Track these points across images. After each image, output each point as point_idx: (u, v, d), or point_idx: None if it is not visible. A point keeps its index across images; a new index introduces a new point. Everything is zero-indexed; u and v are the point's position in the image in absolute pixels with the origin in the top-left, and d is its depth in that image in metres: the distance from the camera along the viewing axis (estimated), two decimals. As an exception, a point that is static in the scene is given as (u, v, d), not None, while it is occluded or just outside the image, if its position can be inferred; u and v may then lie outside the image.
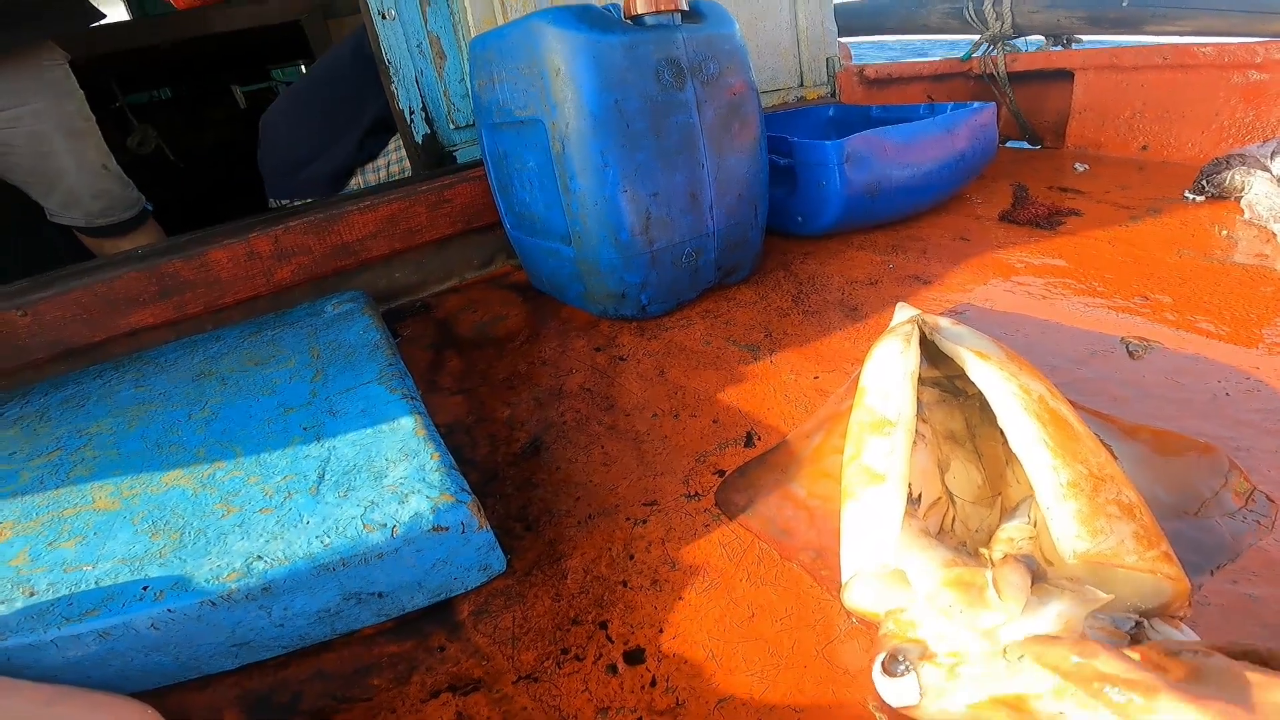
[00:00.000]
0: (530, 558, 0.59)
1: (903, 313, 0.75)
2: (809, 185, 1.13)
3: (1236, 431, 0.60)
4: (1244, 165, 1.20)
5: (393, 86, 1.24)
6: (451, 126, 1.33)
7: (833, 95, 1.88)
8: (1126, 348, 0.75)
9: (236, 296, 1.07)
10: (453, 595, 0.55)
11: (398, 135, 1.42)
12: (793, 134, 1.37)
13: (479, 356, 0.96)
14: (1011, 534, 0.39)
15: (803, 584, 0.52)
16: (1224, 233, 1.06)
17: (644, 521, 0.61)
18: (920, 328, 0.65)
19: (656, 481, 0.65)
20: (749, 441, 0.69)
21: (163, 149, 2.41)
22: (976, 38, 1.89)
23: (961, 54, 1.94)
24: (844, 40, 2.20)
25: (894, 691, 0.36)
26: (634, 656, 0.49)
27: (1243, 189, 1.16)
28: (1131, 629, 0.33)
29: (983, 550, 0.40)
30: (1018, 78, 1.84)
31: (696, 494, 0.63)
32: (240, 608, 0.47)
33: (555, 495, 0.66)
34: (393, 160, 1.54)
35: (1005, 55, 1.84)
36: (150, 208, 1.45)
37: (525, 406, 0.81)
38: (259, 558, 0.49)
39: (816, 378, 0.78)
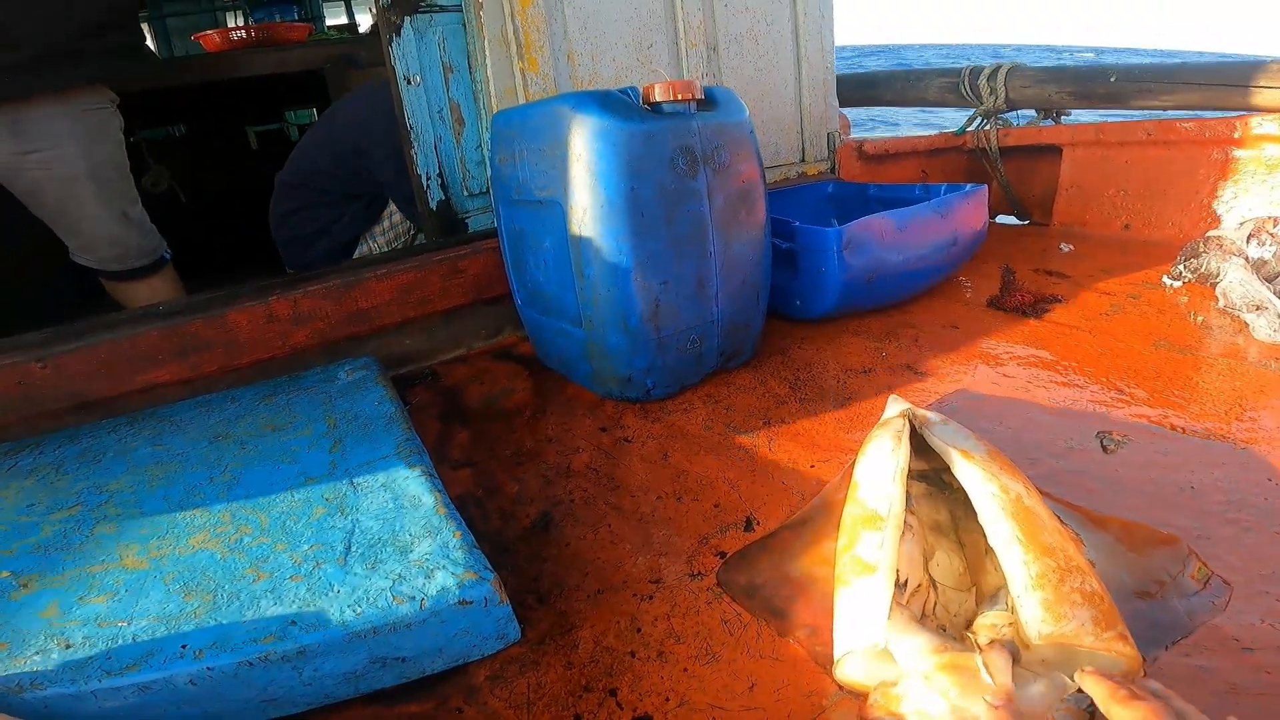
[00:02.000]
0: (543, 628, 0.62)
1: (894, 406, 0.81)
2: (809, 270, 1.20)
3: (1200, 521, 0.65)
4: (1220, 249, 1.28)
5: (412, 151, 1.30)
6: (465, 194, 1.39)
7: (832, 170, 1.95)
8: (1101, 442, 0.81)
9: (253, 358, 1.11)
10: (470, 661, 0.57)
11: None
12: (794, 212, 1.45)
13: (487, 429, 1.00)
14: (994, 620, 0.44)
15: (798, 659, 0.55)
16: (1199, 319, 1.14)
17: (650, 598, 0.64)
18: (911, 422, 0.71)
19: (661, 561, 0.69)
20: (748, 526, 0.73)
21: (175, 190, 2.47)
22: (971, 111, 2.01)
23: (956, 128, 2.06)
24: (844, 110, 2.32)
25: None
26: (642, 723, 0.52)
27: (1218, 275, 1.24)
28: (1088, 706, 0.38)
29: (969, 634, 0.44)
30: (1009, 152, 1.96)
31: (699, 573, 0.66)
32: (275, 668, 0.50)
33: (565, 570, 0.69)
34: (396, 221, 1.61)
35: (998, 130, 1.96)
36: (168, 255, 1.48)
37: (533, 483, 0.85)
38: (294, 623, 0.52)
39: (812, 466, 0.83)
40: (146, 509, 0.73)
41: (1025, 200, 1.98)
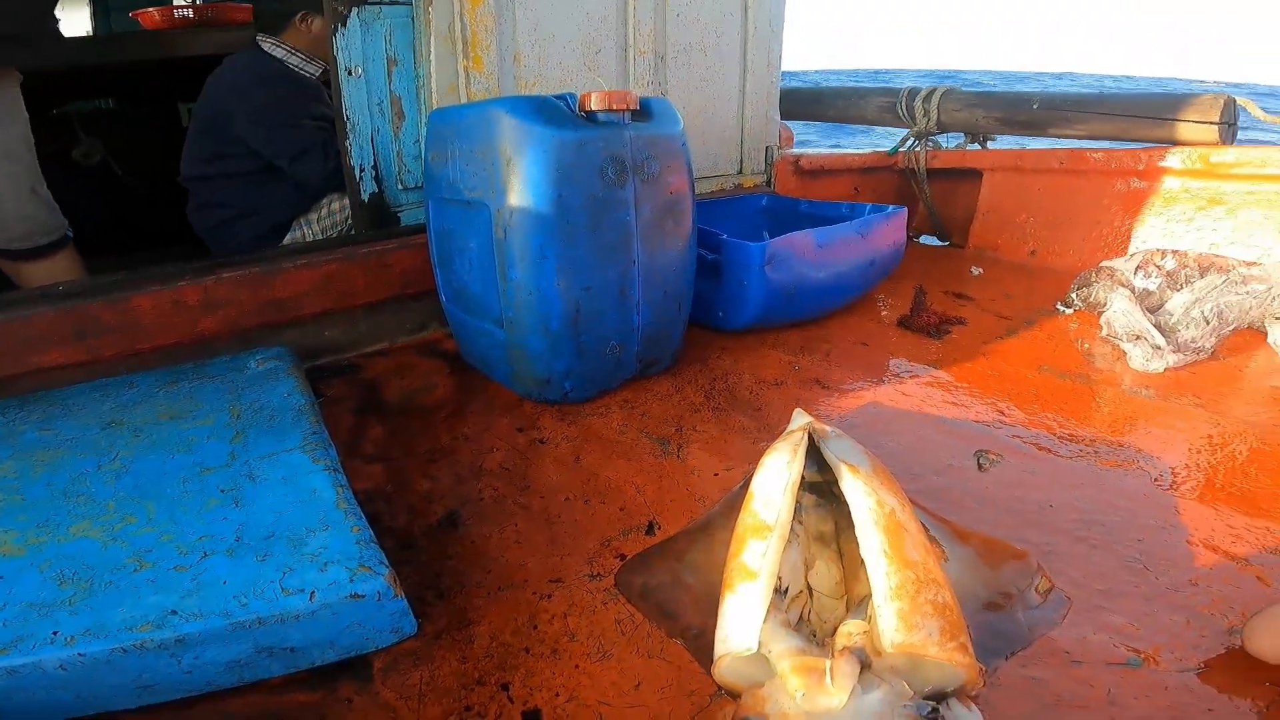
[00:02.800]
0: (441, 623, 0.63)
1: (798, 419, 0.84)
2: (732, 283, 1.24)
3: (1053, 538, 0.72)
4: (1111, 279, 1.38)
5: (347, 142, 1.28)
6: (400, 187, 1.37)
7: (768, 184, 1.99)
8: (978, 461, 0.87)
9: (155, 343, 1.07)
10: (364, 653, 0.58)
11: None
12: (728, 223, 1.48)
13: (403, 425, 1.00)
14: (850, 628, 0.47)
15: (683, 659, 0.58)
16: (1085, 346, 1.24)
17: (549, 596, 0.66)
18: (811, 435, 0.75)
19: (563, 561, 0.71)
20: (650, 530, 0.75)
21: (109, 162, 2.35)
22: (905, 131, 2.09)
23: (889, 148, 2.14)
24: (789, 123, 2.38)
25: (740, 758, 0.43)
26: (531, 716, 0.54)
27: (1105, 304, 1.33)
28: (928, 714, 0.42)
29: (829, 639, 0.47)
30: (936, 174, 2.05)
31: (599, 574, 0.69)
32: (152, 656, 0.49)
33: (468, 567, 0.70)
34: (334, 209, 1.57)
35: (927, 151, 2.05)
36: (70, 235, 1.42)
37: (445, 480, 0.86)
38: (174, 612, 0.51)
39: (717, 474, 0.86)
40: (28, 495, 0.70)
41: (948, 222, 2.08)
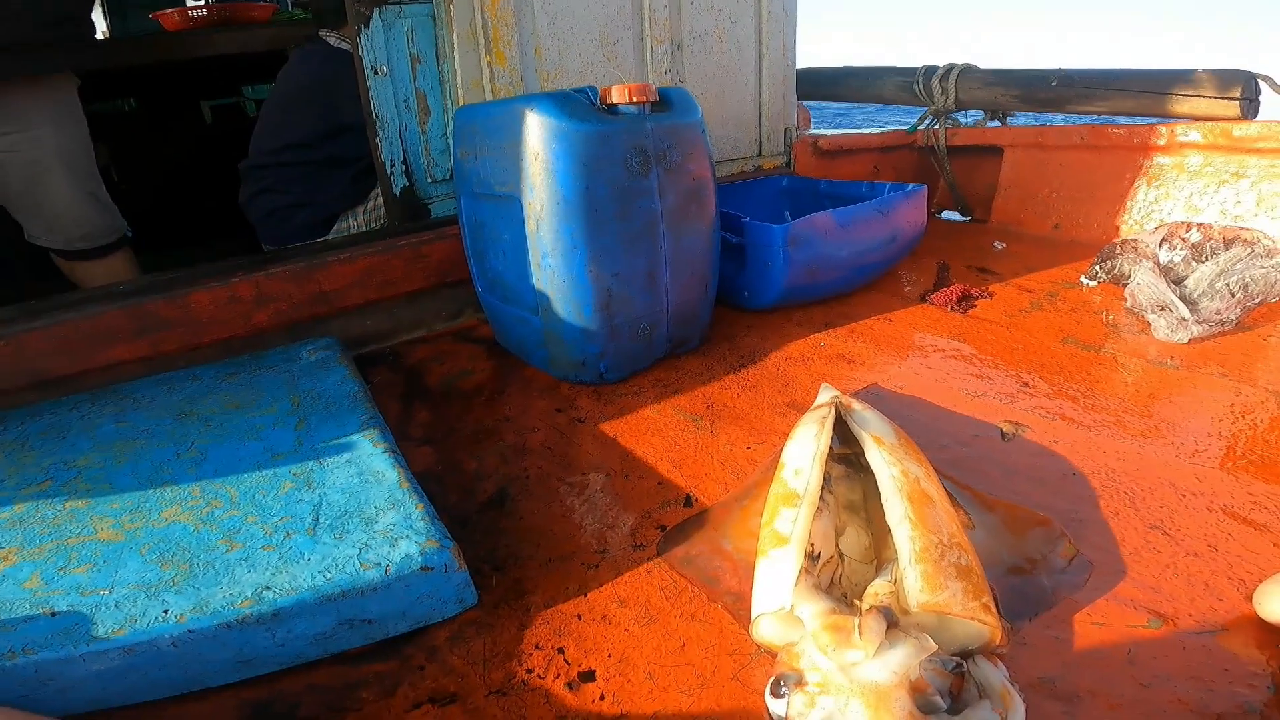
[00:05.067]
0: (498, 594, 0.68)
1: (825, 394, 0.89)
2: (756, 263, 1.27)
3: (1076, 505, 0.75)
4: (1135, 252, 1.39)
5: (377, 140, 1.34)
6: (429, 180, 1.42)
7: (788, 165, 2.01)
8: (1001, 432, 0.90)
9: (213, 336, 1.13)
10: (431, 623, 0.63)
11: None
12: (748, 205, 1.51)
13: (447, 409, 1.05)
14: (877, 589, 0.52)
15: (724, 621, 0.63)
16: (1109, 318, 1.25)
17: (596, 566, 0.71)
18: (838, 409, 0.78)
19: (607, 533, 0.76)
20: (688, 502, 0.80)
21: (109, 170, 2.41)
22: (923, 110, 2.09)
23: (908, 127, 2.14)
24: (805, 104, 2.37)
25: (776, 710, 0.47)
26: (587, 676, 0.59)
27: (1129, 276, 1.34)
28: (954, 668, 0.46)
29: (857, 601, 0.52)
30: (956, 151, 2.05)
31: (641, 544, 0.73)
32: (250, 630, 0.55)
33: (519, 541, 0.75)
34: (380, 204, 1.62)
35: (946, 129, 2.05)
36: (130, 234, 1.49)
37: (491, 460, 0.91)
38: (268, 588, 0.57)
39: (749, 448, 0.90)
40: (116, 484, 0.77)
41: (970, 198, 2.08)
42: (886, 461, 0.63)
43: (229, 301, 1.13)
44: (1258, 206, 1.51)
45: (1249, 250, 1.27)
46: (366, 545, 0.61)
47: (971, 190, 2.07)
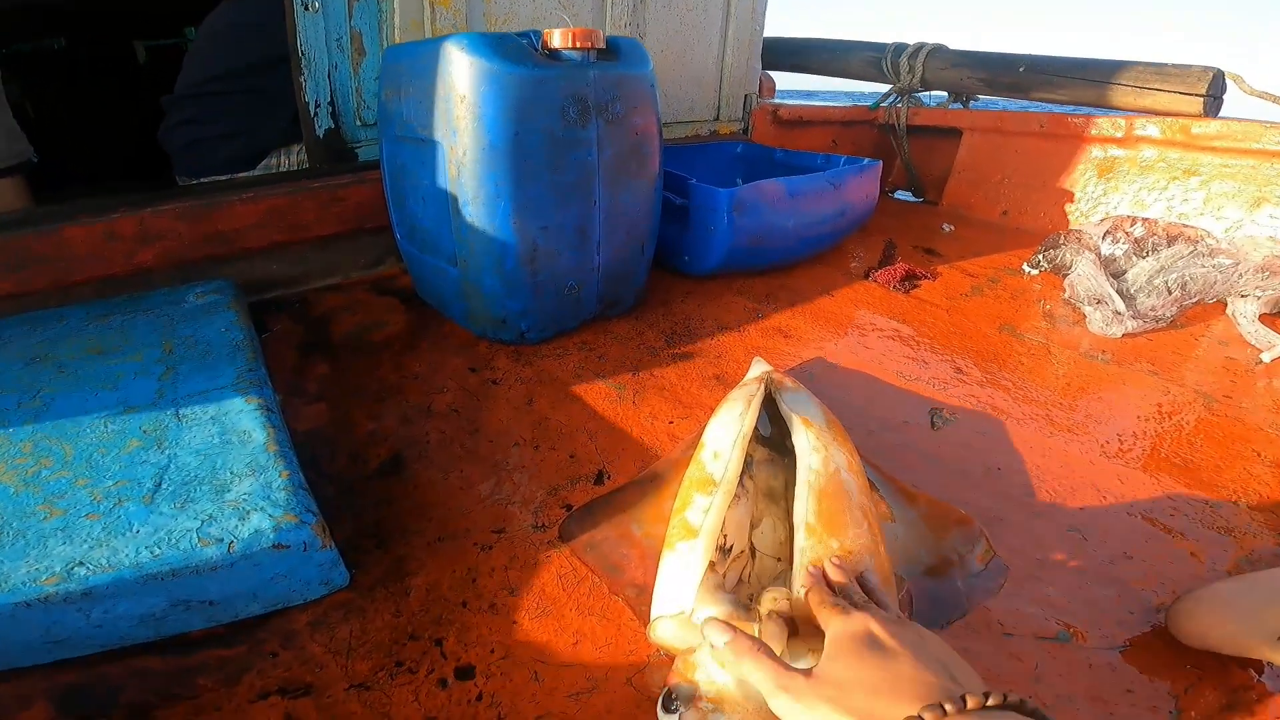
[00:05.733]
0: (376, 574, 0.61)
1: (756, 368, 0.83)
2: (699, 227, 1.21)
3: (997, 503, 0.72)
4: (1078, 243, 1.38)
5: (301, 78, 1.21)
6: (358, 124, 1.30)
7: (745, 132, 1.95)
8: (931, 419, 0.86)
9: (89, 275, 1.01)
10: (290, 606, 0.56)
11: None
12: (699, 168, 1.44)
13: (350, 363, 0.96)
14: (775, 594, 0.47)
15: (624, 617, 0.57)
16: (1047, 308, 1.23)
17: (490, 548, 0.65)
18: (768, 386, 0.73)
19: (508, 510, 0.69)
20: (599, 479, 0.74)
21: (23, 105, 2.21)
22: (889, 87, 2.05)
23: (871, 102, 2.10)
24: (772, 73, 2.30)
25: (666, 726, 0.42)
26: (464, 672, 0.53)
27: (1070, 267, 1.33)
28: None
29: (757, 606, 0.47)
30: (916, 131, 2.02)
31: (543, 525, 0.67)
32: (58, 610, 0.47)
33: (410, 515, 0.68)
34: None
35: (909, 108, 2.01)
36: (35, 159, 1.35)
37: (391, 421, 0.83)
38: (81, 563, 0.48)
39: (671, 422, 0.84)
40: (-63, 433, 0.66)
41: (925, 179, 2.06)
42: (810, 448, 0.58)
43: (107, 238, 1.00)
44: (1205, 205, 1.51)
45: (1191, 249, 1.26)
46: (211, 517, 0.53)
47: (927, 171, 2.04)
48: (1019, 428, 0.86)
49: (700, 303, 1.19)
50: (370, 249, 1.27)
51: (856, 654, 0.37)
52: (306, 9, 1.15)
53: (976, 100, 2.04)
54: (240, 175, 1.40)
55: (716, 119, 1.88)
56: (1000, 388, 0.95)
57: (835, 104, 2.20)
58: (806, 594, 0.44)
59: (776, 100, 2.26)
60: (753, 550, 0.56)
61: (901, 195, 2.12)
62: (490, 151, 0.86)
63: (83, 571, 0.48)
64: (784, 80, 2.58)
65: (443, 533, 0.66)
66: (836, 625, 0.40)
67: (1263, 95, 1.45)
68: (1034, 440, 0.83)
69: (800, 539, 0.48)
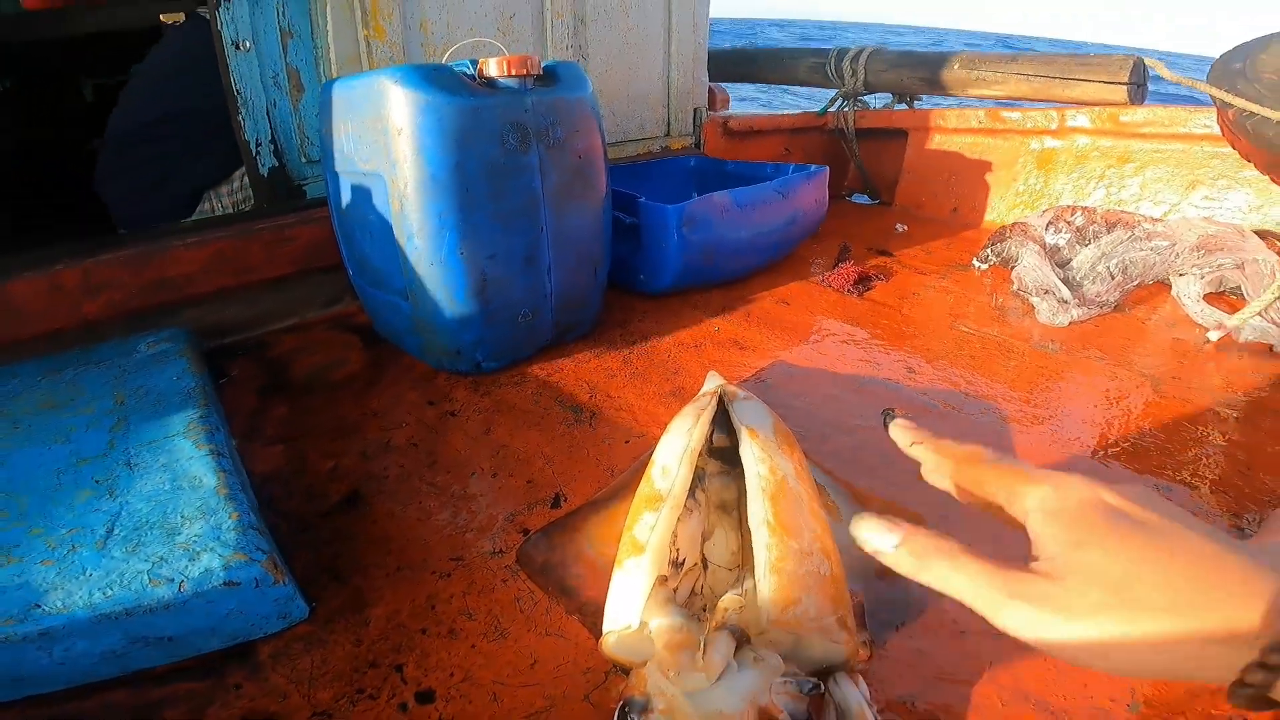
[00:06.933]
0: (334, 605, 0.61)
1: (711, 381, 0.84)
2: (650, 245, 1.22)
3: (950, 501, 0.73)
4: (1024, 235, 1.41)
5: (240, 117, 1.21)
6: (304, 160, 1.30)
7: (697, 145, 1.97)
8: (884, 419, 0.88)
9: (37, 330, 1.00)
10: (251, 639, 0.56)
11: None
12: (651, 186, 1.45)
13: (309, 403, 0.96)
14: (727, 603, 0.47)
15: (581, 636, 0.58)
16: (997, 301, 1.27)
17: (448, 575, 0.65)
18: (721, 399, 0.74)
19: (465, 538, 0.70)
20: (556, 503, 0.75)
21: None
22: (834, 92, 2.10)
23: (819, 109, 2.14)
24: (725, 84, 2.34)
25: (622, 739, 0.43)
26: (425, 697, 0.53)
27: (1017, 259, 1.37)
28: (810, 689, 0.42)
29: (709, 617, 0.47)
30: (864, 134, 2.06)
31: (500, 551, 0.68)
32: (18, 649, 0.48)
33: (368, 548, 0.68)
34: (247, 184, 1.47)
35: (856, 111, 2.05)
36: None
37: (350, 459, 0.83)
38: (37, 605, 0.49)
39: (628, 442, 0.85)
40: (-113, 495, 0.65)
41: (877, 181, 2.10)
42: (756, 458, 0.59)
43: (51, 291, 0.99)
44: (1141, 191, 1.57)
45: (1129, 234, 1.31)
46: (162, 559, 0.53)
47: (879, 173, 2.09)
48: (972, 423, 0.88)
49: (657, 320, 1.21)
50: (327, 287, 1.27)
51: (1117, 534, 0.26)
52: (238, 48, 1.16)
53: (920, 100, 2.09)
54: (184, 221, 1.40)
55: (668, 135, 1.90)
56: (952, 384, 0.97)
57: (785, 111, 2.25)
58: (938, 455, 0.34)
59: (726, 112, 2.30)
60: (705, 562, 0.57)
61: (858, 198, 2.16)
62: (432, 183, 0.87)
63: (39, 613, 0.49)
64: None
65: (401, 563, 0.67)
66: (1040, 491, 0.28)
67: (1181, 80, 1.51)
68: (987, 435, 0.85)
69: (764, 536, 0.49)
